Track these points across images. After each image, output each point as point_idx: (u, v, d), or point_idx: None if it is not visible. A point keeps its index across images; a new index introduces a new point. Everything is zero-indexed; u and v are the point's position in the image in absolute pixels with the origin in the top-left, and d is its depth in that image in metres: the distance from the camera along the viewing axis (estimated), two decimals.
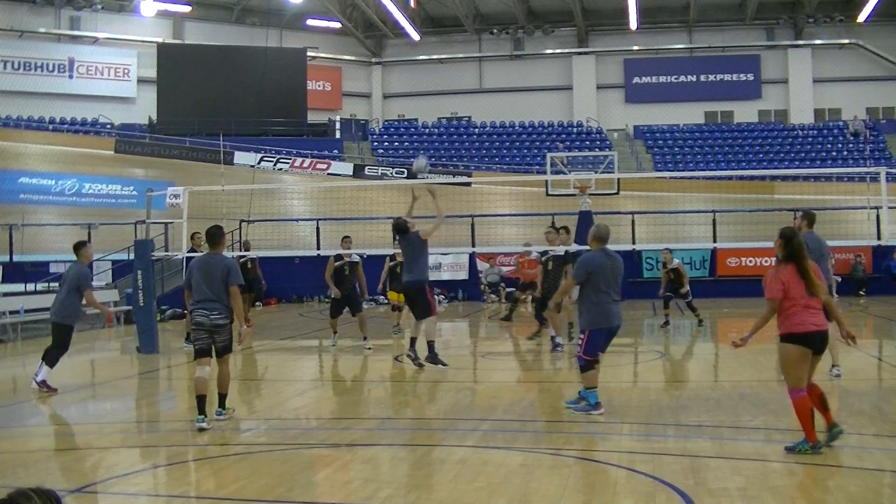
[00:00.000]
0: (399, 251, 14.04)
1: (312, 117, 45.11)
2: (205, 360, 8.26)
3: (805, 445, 6.57)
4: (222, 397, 8.47)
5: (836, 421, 6.90)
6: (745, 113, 46.04)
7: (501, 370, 12.60)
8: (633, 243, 23.32)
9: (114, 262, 24.13)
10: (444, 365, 11.62)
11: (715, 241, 24.82)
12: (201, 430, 7.95)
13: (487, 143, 44.99)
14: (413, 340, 12.03)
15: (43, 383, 10.59)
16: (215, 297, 8.16)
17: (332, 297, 14.71)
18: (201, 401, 8.11)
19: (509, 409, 8.96)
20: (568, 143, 42.93)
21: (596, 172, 26.10)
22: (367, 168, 40.95)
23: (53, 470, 6.73)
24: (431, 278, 26.76)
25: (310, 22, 46.67)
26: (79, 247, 11.31)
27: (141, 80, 44.62)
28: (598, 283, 8.32)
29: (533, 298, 16.17)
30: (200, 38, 45.92)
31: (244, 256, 17.70)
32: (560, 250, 13.72)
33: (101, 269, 24.32)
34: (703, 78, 46.73)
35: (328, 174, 40.59)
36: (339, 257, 14.56)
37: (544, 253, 14.01)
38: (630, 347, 14.60)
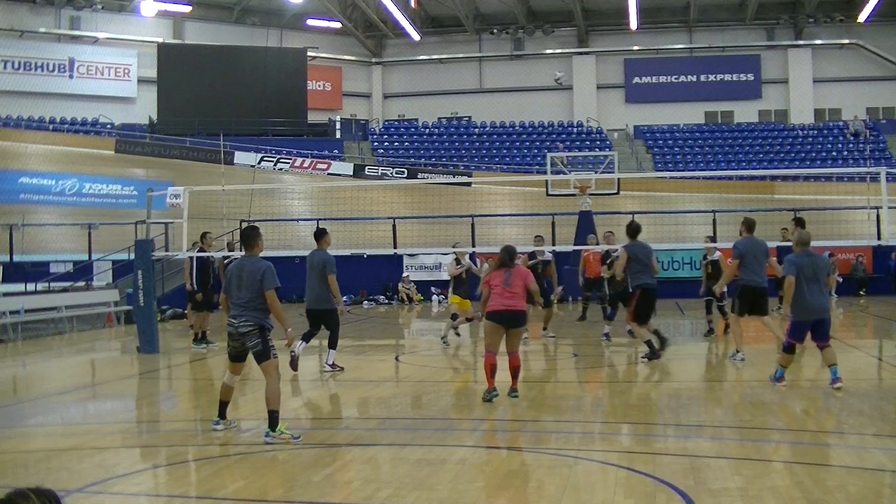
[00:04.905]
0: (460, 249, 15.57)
1: (312, 117, 45.11)
2: (234, 367, 7.96)
3: (488, 394, 9.10)
4: (271, 415, 7.47)
5: (516, 388, 9.25)
6: (745, 113, 46.03)
7: (501, 370, 12.56)
8: None
9: (114, 262, 24.10)
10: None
11: (715, 241, 24.75)
12: (214, 430, 7.93)
13: (487, 143, 45.00)
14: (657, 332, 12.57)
15: (333, 365, 11.79)
16: (244, 303, 7.73)
17: None
18: (221, 406, 8.01)
19: (509, 410, 8.95)
20: (568, 143, 42.94)
21: (596, 172, 26.11)
22: (367, 168, 40.99)
23: (53, 470, 6.72)
24: (431, 278, 27.27)
25: (310, 22, 46.68)
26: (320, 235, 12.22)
27: (141, 80, 44.64)
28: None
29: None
30: (200, 38, 45.93)
31: (228, 257, 17.45)
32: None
33: (102, 269, 24.32)
34: (703, 78, 46.73)
35: (328, 174, 40.62)
36: (532, 255, 15.55)
37: (607, 254, 14.84)
38: (629, 348, 14.59)
